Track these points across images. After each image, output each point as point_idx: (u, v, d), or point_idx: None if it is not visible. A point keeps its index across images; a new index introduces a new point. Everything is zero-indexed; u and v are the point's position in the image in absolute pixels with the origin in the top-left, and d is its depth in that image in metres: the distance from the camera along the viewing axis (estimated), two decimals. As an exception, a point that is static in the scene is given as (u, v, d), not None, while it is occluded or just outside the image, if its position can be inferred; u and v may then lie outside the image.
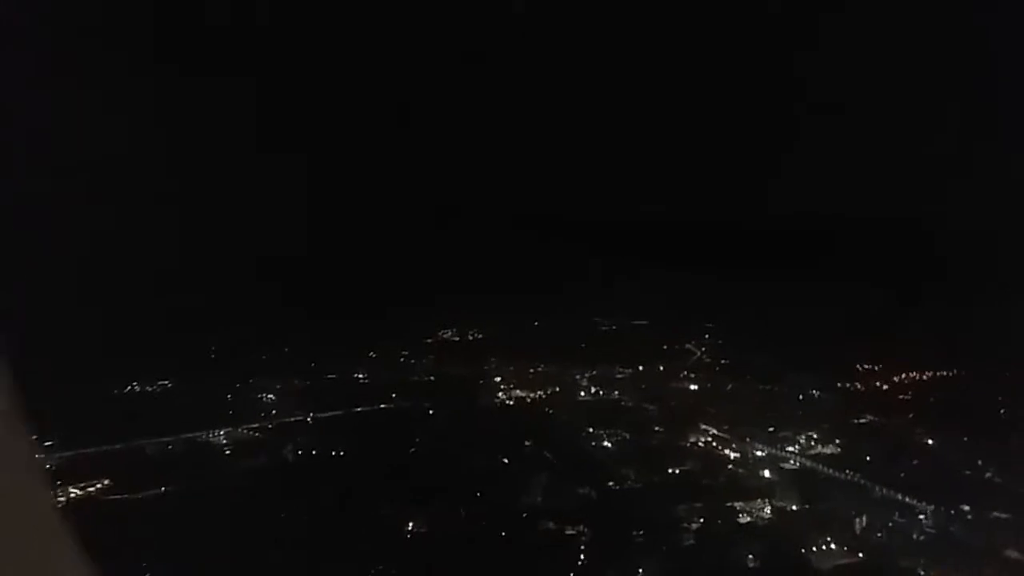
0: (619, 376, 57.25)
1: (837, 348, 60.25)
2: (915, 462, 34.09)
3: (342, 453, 35.04)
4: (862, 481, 31.65)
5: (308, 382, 51.94)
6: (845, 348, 60.50)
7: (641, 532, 24.85)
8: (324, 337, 64.90)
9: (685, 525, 26.17)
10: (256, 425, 40.41)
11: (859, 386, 53.90)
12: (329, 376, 54.47)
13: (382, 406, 46.46)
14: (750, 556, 23.53)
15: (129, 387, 47.58)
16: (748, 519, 27.44)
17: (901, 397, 51.26)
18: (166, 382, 49.59)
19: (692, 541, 24.95)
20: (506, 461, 34.11)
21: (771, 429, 39.96)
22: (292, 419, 41.92)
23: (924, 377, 56.87)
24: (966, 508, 28.58)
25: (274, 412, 43.53)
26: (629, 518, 26.17)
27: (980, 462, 34.58)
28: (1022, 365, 51.65)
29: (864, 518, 27.00)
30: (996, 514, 28.02)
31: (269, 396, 46.42)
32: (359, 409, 45.25)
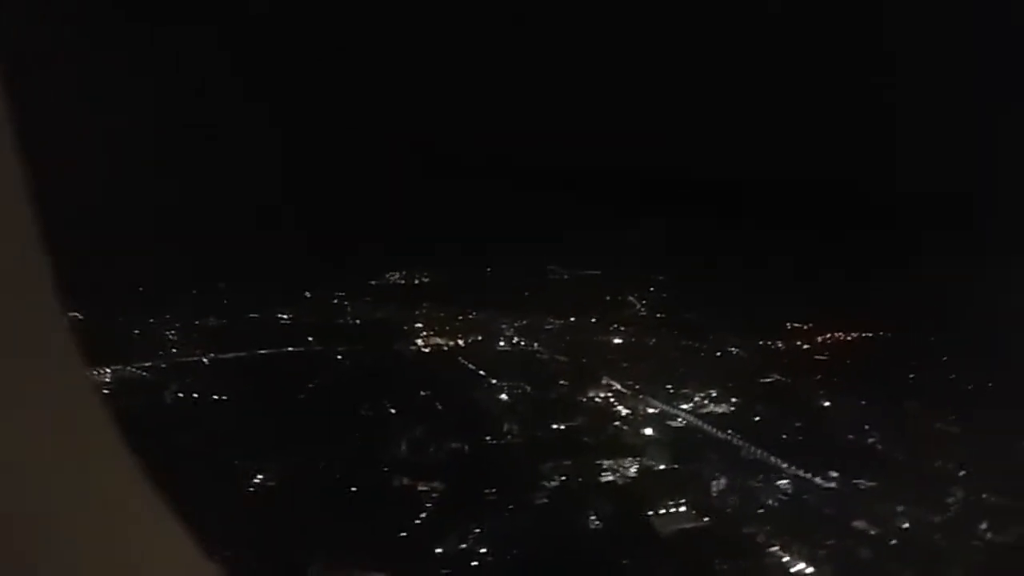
0: (548, 327, 56.74)
1: (777, 306, 59.64)
2: (798, 424, 34.17)
3: (224, 397, 34.23)
4: (739, 442, 31.69)
5: (224, 321, 50.69)
6: (786, 306, 59.93)
7: (494, 490, 24.57)
8: (264, 275, 62.95)
9: (544, 483, 25.96)
10: (148, 364, 39.35)
11: (780, 345, 53.87)
12: (251, 315, 53.18)
13: (289, 349, 45.57)
14: (593, 517, 23.46)
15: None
16: (610, 479, 27.28)
17: (817, 358, 51.47)
18: (77, 314, 48.15)
19: (544, 500, 24.76)
20: (392, 411, 33.59)
21: (671, 386, 39.88)
22: (188, 359, 40.90)
23: (849, 338, 57.08)
24: (833, 474, 28.71)
25: (174, 351, 42.47)
26: (489, 475, 25.89)
27: (867, 427, 34.80)
28: (949, 330, 51.96)
29: (723, 480, 27.00)
30: (860, 482, 28.20)
31: (171, 334, 45.25)
32: (263, 352, 44.32)
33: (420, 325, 54.08)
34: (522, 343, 51.98)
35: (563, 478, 26.70)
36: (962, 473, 29.42)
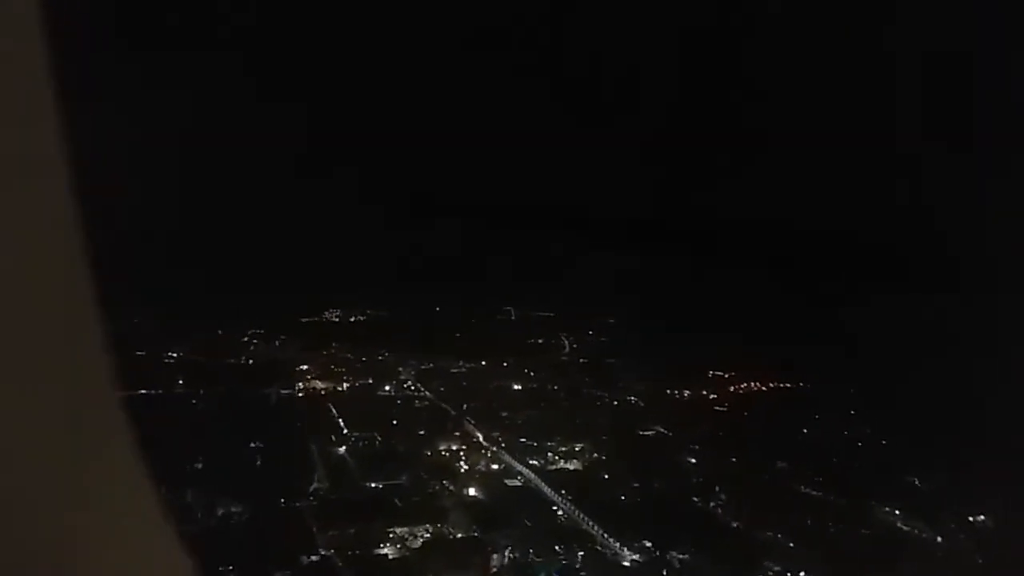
0: (453, 371, 54.22)
1: (708, 353, 56.30)
2: (640, 485, 31.54)
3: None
4: (566, 505, 29.06)
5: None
6: (717, 354, 56.43)
7: (231, 568, 21.89)
8: (190, 311, 59.60)
9: (302, 557, 23.25)
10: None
11: (687, 394, 51.23)
12: (138, 352, 50.45)
13: (143, 391, 42.92)
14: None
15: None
16: (384, 551, 24.58)
17: (716, 408, 48.82)
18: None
19: (287, 578, 22.12)
20: (197, 467, 30.84)
21: (534, 439, 37.19)
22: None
23: (764, 389, 54.41)
24: (647, 544, 26.10)
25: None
26: (243, 547, 23.19)
27: (718, 488, 32.19)
28: (866, 386, 49.38)
29: (511, 553, 24.36)
30: (672, 553, 25.60)
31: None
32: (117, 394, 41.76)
33: (311, 367, 51.44)
34: (412, 388, 49.20)
35: (331, 551, 24.04)
36: (791, 545, 26.87)
